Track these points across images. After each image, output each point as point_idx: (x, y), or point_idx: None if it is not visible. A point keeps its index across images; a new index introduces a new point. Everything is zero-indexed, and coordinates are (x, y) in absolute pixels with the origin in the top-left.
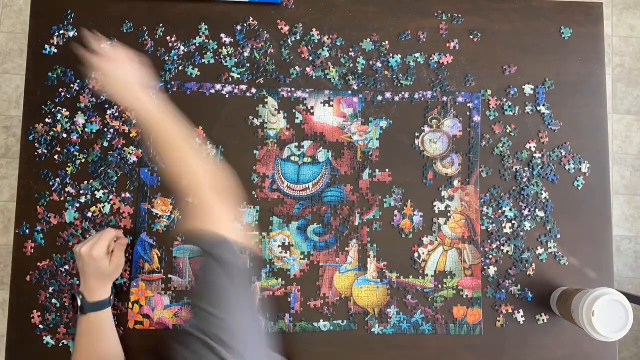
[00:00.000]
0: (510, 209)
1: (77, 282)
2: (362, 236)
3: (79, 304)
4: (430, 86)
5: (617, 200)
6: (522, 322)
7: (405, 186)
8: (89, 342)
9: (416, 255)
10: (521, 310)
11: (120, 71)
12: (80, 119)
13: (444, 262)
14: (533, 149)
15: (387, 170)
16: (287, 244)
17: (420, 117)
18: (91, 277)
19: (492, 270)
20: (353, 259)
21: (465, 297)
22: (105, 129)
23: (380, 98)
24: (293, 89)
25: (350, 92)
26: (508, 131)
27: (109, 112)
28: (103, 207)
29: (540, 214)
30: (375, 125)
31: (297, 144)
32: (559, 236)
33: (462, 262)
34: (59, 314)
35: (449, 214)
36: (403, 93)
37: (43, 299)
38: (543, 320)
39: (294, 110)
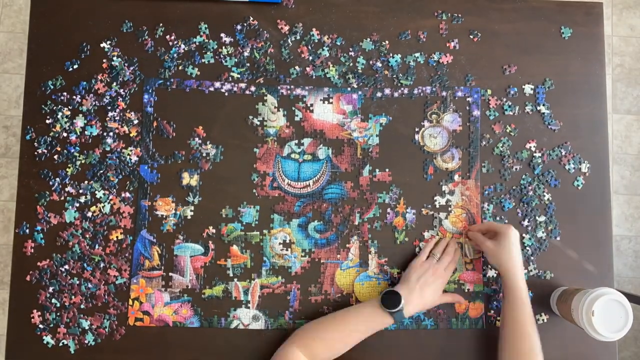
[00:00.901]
0: (511, 209)
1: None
2: (363, 233)
3: (400, 307)
4: (429, 82)
5: (617, 200)
6: None
7: (406, 182)
8: (357, 326)
9: (417, 250)
10: None
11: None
12: (80, 122)
13: None
14: (533, 149)
15: (387, 168)
16: (288, 241)
17: (420, 112)
18: (423, 291)
19: (492, 272)
20: (354, 256)
21: (466, 291)
22: (104, 132)
23: (379, 95)
24: (292, 87)
25: (349, 88)
26: (508, 131)
27: (110, 114)
28: (103, 207)
29: (541, 218)
30: (375, 121)
31: (297, 141)
32: (558, 238)
33: (463, 256)
34: (58, 314)
35: (449, 209)
36: (402, 89)
37: (43, 298)
38: (543, 320)
39: (293, 108)
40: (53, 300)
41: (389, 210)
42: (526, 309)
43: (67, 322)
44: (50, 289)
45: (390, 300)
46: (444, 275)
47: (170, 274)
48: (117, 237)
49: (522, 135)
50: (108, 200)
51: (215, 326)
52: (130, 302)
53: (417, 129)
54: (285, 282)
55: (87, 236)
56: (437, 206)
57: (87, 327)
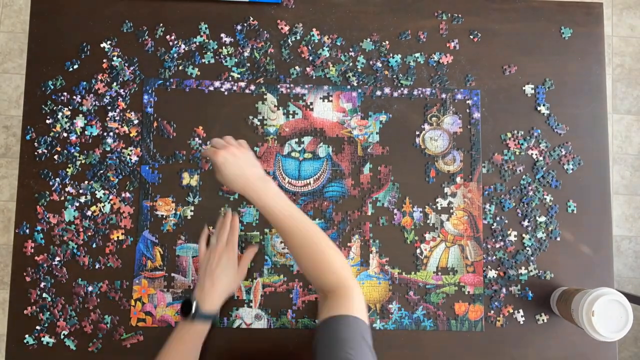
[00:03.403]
0: (512, 209)
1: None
2: (365, 232)
3: (193, 309)
4: (429, 82)
5: (617, 200)
6: (522, 322)
7: (407, 183)
8: (177, 351)
9: (418, 251)
10: (521, 310)
11: (242, 160)
12: (80, 122)
13: (446, 258)
14: (533, 149)
15: (387, 165)
16: None
17: (420, 114)
18: (212, 278)
19: (493, 272)
20: (355, 255)
21: (466, 293)
22: (105, 133)
23: (379, 93)
24: (292, 85)
25: (349, 87)
26: (509, 136)
27: (110, 114)
28: (103, 207)
29: (541, 219)
30: (375, 119)
31: (297, 139)
32: (558, 239)
33: (464, 259)
34: (59, 314)
35: (451, 211)
36: (402, 89)
37: (43, 298)
38: (543, 320)
39: (292, 106)
40: (53, 301)
41: (395, 210)
42: (275, 209)
43: (68, 322)
44: (51, 290)
45: (183, 308)
46: (227, 250)
47: (173, 274)
48: (117, 237)
49: (523, 135)
50: (108, 200)
51: (218, 326)
52: (133, 302)
53: (417, 132)
54: (287, 281)
55: (87, 235)
56: (439, 208)
57: (88, 328)
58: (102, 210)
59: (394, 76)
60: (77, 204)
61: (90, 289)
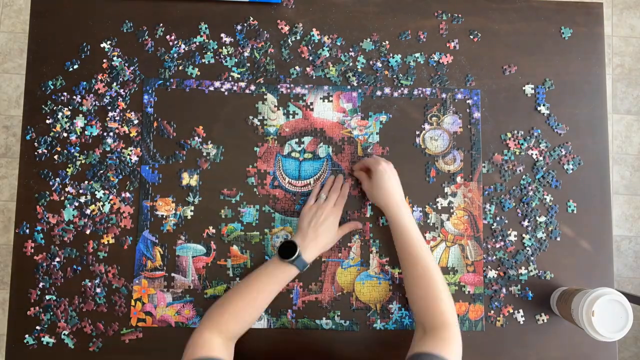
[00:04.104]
0: (512, 209)
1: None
2: (365, 232)
3: (297, 254)
4: (429, 82)
5: (617, 200)
6: (522, 322)
7: (407, 183)
8: (265, 283)
9: None
10: (521, 310)
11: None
12: (80, 122)
13: (447, 258)
14: (533, 149)
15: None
16: (289, 239)
17: (420, 113)
18: (316, 232)
19: (493, 272)
20: (355, 255)
21: (467, 293)
22: (105, 132)
23: (379, 93)
24: (292, 85)
25: (349, 87)
26: (510, 136)
27: (110, 114)
28: (103, 207)
29: (541, 219)
30: (375, 119)
31: (297, 140)
32: (559, 239)
33: (464, 258)
34: (61, 314)
35: (451, 210)
36: (402, 89)
37: (43, 298)
38: (543, 320)
39: (292, 106)
40: (53, 301)
41: None
42: (412, 234)
43: (68, 322)
44: (51, 290)
45: (286, 250)
46: (335, 212)
47: (173, 274)
48: (117, 237)
49: (523, 135)
50: (108, 200)
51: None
52: (133, 302)
53: (417, 132)
54: None
55: (87, 235)
56: (439, 208)
57: (88, 328)
58: (102, 210)
59: (394, 76)
60: (77, 204)
61: (90, 289)
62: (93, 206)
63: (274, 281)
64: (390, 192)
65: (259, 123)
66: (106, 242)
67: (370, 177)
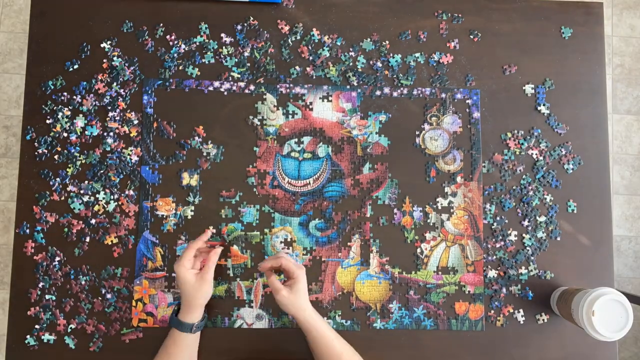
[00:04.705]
0: (512, 209)
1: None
2: (365, 231)
3: (184, 328)
4: (429, 82)
5: (617, 200)
6: (522, 322)
7: (407, 183)
8: (174, 354)
9: (418, 250)
10: (521, 310)
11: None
12: (80, 122)
13: (447, 257)
14: (533, 148)
15: (386, 163)
16: (289, 239)
17: (420, 113)
18: (181, 294)
19: (493, 272)
20: (355, 254)
21: (467, 292)
22: (105, 132)
23: (378, 93)
24: (292, 85)
25: (348, 86)
26: (509, 136)
27: (110, 114)
28: (103, 207)
29: (541, 218)
30: (375, 119)
31: (296, 139)
32: (559, 239)
33: (464, 258)
34: (60, 314)
35: (451, 210)
36: (402, 89)
37: (43, 298)
38: (543, 320)
39: (291, 105)
40: (53, 301)
41: (395, 210)
42: (327, 337)
43: (68, 322)
44: (51, 290)
45: (172, 323)
46: (179, 265)
47: (173, 274)
48: (118, 237)
49: (523, 135)
50: (108, 200)
51: (219, 326)
52: (134, 303)
53: (417, 132)
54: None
55: (87, 235)
56: (440, 207)
57: (88, 328)
58: (102, 210)
59: (394, 76)
60: (77, 204)
61: (90, 289)
62: (97, 207)
63: (167, 348)
64: (307, 298)
65: (258, 123)
66: (107, 243)
67: (287, 283)
